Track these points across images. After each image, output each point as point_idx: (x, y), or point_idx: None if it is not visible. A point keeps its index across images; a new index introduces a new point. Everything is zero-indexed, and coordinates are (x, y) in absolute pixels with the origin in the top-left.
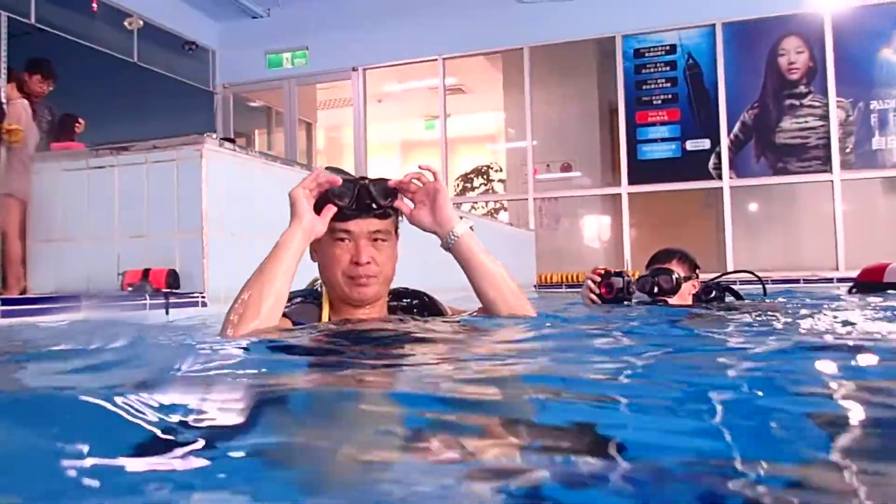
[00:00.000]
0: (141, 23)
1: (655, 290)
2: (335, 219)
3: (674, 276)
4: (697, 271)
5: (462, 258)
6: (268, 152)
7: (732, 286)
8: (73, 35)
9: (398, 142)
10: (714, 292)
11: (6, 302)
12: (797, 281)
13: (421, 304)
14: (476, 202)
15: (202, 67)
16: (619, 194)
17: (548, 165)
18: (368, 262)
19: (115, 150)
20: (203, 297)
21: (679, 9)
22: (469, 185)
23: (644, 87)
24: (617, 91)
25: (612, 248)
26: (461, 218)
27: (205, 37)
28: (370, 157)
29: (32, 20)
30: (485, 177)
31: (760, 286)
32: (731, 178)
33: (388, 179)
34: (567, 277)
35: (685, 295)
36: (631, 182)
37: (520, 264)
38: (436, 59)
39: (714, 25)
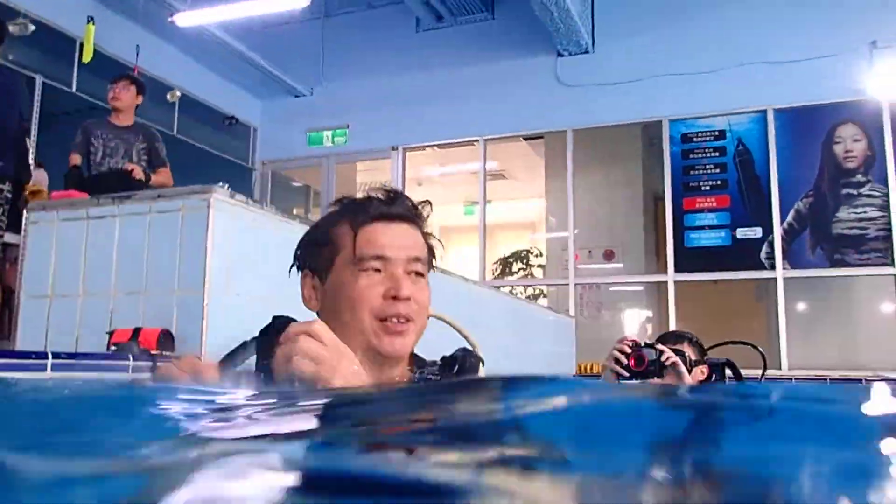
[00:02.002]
0: (179, 94)
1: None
2: (356, 238)
3: (687, 359)
4: (706, 357)
5: None
6: (288, 213)
7: (735, 364)
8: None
9: (437, 226)
10: (715, 376)
11: None
12: (859, 381)
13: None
14: (514, 286)
15: (242, 143)
16: (665, 282)
17: (589, 252)
18: (408, 298)
19: (118, 200)
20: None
21: (728, 94)
22: (508, 270)
23: (692, 172)
24: (663, 176)
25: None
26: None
27: (246, 113)
28: None
29: (73, 89)
30: (524, 261)
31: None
32: (784, 268)
33: None
34: None
35: (694, 380)
36: (678, 270)
37: (560, 352)
38: (477, 141)
39: (765, 111)
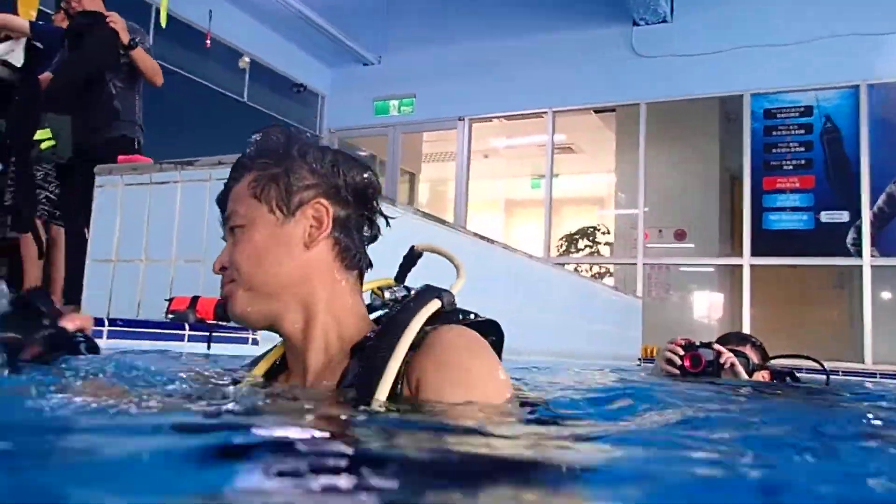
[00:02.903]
0: (249, 61)
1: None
2: None
3: (749, 363)
4: (768, 364)
5: None
6: None
7: (796, 372)
8: (186, 71)
9: (502, 199)
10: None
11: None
12: None
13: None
14: (579, 264)
15: (310, 111)
16: (740, 266)
17: (660, 231)
18: (221, 270)
19: (180, 165)
20: (254, 333)
21: (817, 67)
22: (574, 247)
23: (774, 150)
24: (742, 154)
25: (727, 324)
26: None
27: (315, 81)
28: (471, 213)
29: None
30: (590, 238)
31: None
32: (872, 255)
33: None
34: None
35: None
36: (754, 253)
37: (624, 335)
38: (545, 112)
39: (858, 87)
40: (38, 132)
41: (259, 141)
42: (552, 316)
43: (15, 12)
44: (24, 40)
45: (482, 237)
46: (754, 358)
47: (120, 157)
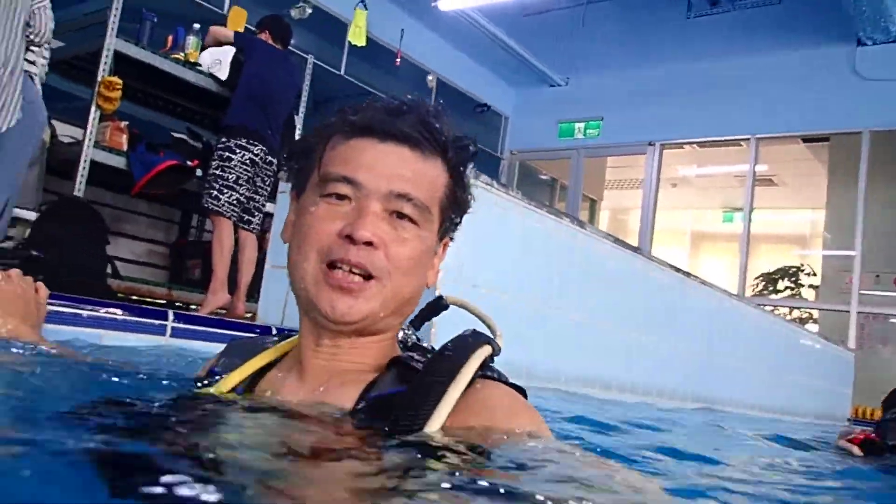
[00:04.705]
0: (436, 81)
1: None
2: (324, 151)
3: None
4: None
5: None
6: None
7: None
8: (376, 88)
9: (689, 231)
10: None
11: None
12: None
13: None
14: (777, 307)
15: (493, 132)
16: None
17: (877, 276)
18: (370, 243)
19: None
20: None
21: None
22: (772, 287)
23: None
24: None
25: None
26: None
27: (499, 101)
28: (656, 245)
29: (342, 71)
30: (793, 279)
31: None
32: None
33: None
34: None
35: None
36: None
37: (833, 390)
38: (746, 140)
39: None
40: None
41: (445, 120)
42: (750, 362)
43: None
44: (230, 56)
45: (677, 269)
46: None
47: None
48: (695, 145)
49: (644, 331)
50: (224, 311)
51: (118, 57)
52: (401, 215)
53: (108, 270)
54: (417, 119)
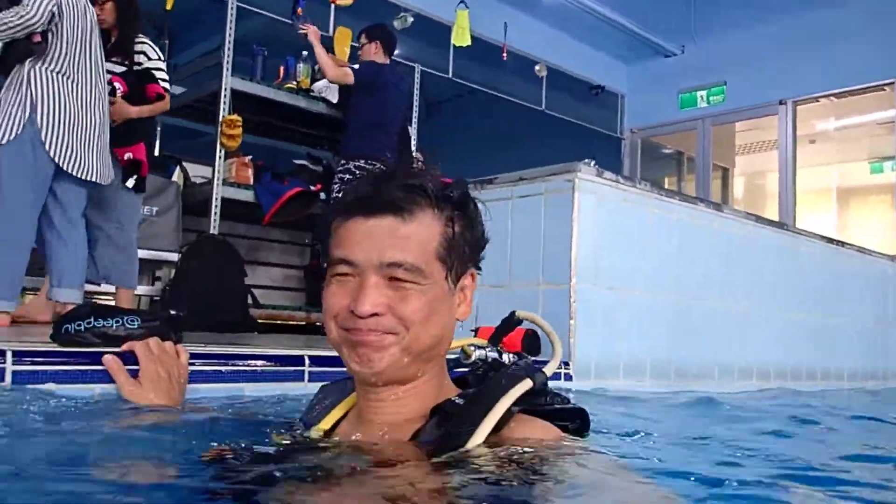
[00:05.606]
0: (545, 70)
1: None
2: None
3: None
4: None
5: None
6: (665, 189)
7: None
8: (485, 87)
9: (834, 188)
10: None
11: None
12: None
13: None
14: None
15: (609, 112)
16: None
17: None
18: (372, 315)
19: (481, 184)
20: (567, 367)
21: None
22: None
23: None
24: None
25: None
26: None
27: (612, 80)
28: (799, 206)
29: (450, 74)
30: None
31: None
32: None
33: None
34: None
35: None
36: None
37: None
38: (890, 84)
39: None
40: None
41: (432, 176)
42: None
43: (331, 50)
44: None
45: (830, 239)
46: None
47: None
48: (831, 97)
49: (803, 310)
50: None
51: (235, 94)
52: (398, 278)
53: (249, 301)
54: (398, 185)
